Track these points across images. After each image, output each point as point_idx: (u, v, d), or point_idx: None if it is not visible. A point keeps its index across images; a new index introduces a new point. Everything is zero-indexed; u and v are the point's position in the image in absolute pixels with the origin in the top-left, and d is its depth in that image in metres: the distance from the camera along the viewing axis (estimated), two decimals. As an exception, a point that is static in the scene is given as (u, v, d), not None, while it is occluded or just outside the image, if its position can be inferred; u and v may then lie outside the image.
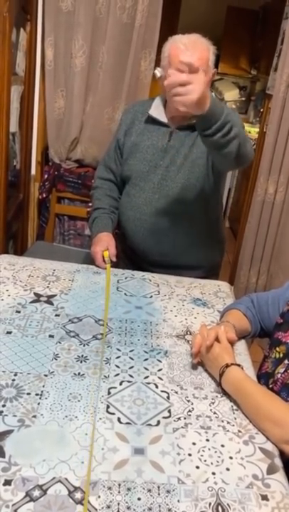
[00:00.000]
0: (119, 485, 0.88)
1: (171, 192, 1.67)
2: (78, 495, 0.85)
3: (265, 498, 0.89)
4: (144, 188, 1.70)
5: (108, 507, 0.83)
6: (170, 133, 1.67)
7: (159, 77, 1.61)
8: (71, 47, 2.37)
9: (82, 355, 1.20)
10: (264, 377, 1.24)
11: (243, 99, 5.59)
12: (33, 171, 2.62)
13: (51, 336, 1.26)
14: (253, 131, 4.67)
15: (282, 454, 1.01)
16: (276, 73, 2.51)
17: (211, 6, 5.02)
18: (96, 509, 0.83)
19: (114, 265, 1.67)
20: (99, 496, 0.85)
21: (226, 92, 5.52)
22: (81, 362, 1.18)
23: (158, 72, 1.61)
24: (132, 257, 1.82)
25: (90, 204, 1.91)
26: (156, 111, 1.69)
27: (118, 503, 0.84)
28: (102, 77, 2.45)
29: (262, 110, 3.81)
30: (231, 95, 5.54)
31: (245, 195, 2.96)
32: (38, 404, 1.03)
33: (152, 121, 1.69)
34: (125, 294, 1.53)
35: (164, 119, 1.68)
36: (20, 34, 2.21)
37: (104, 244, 1.67)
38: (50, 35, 2.32)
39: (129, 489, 0.87)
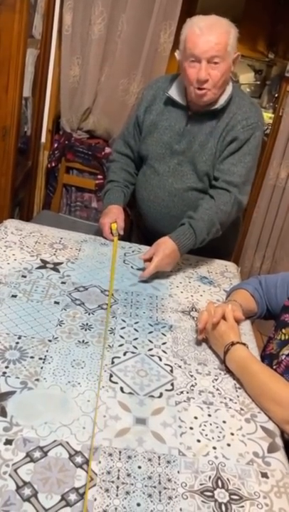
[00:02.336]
0: (120, 452, 0.87)
1: (185, 178, 1.64)
2: (79, 459, 0.84)
3: (265, 475, 0.89)
4: (158, 170, 1.67)
5: (108, 473, 0.83)
6: (188, 117, 1.61)
7: (178, 60, 1.55)
8: (90, 13, 2.30)
9: (87, 324, 1.19)
10: (268, 358, 1.24)
11: (258, 82, 5.49)
12: (43, 139, 2.57)
13: (56, 303, 1.25)
14: (266, 115, 4.58)
15: (283, 434, 1.00)
16: (298, 55, 2.45)
17: (233, -16, 4.89)
18: (96, 474, 0.82)
19: (126, 239, 1.65)
20: (99, 462, 0.85)
21: (241, 74, 5.42)
22: (86, 330, 1.17)
23: (177, 55, 1.55)
24: (146, 234, 1.79)
25: (100, 177, 1.88)
26: (176, 92, 1.61)
27: (118, 470, 0.84)
28: (120, 46, 2.39)
29: (276, 95, 3.75)
30: (246, 78, 5.44)
31: (255, 179, 2.92)
32: (42, 368, 1.02)
33: (172, 102, 1.62)
34: (132, 267, 1.52)
35: (183, 101, 1.60)
36: (39, -5, 2.15)
37: (113, 217, 1.64)
38: (70, -1, 2.25)
39: (129, 457, 0.87)
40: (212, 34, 1.43)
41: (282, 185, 2.56)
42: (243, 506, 0.83)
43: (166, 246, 1.46)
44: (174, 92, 1.62)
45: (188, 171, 1.63)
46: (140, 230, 1.83)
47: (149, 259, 1.46)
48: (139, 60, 2.41)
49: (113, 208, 1.67)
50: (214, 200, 1.55)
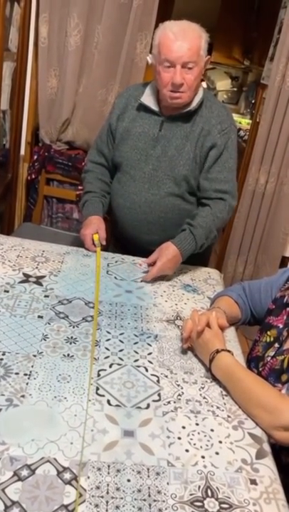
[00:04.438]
0: (109, 466, 0.87)
1: (162, 183, 1.65)
2: (67, 475, 0.84)
3: (253, 482, 0.89)
4: (134, 176, 1.68)
5: (97, 488, 0.82)
6: (161, 122, 1.64)
7: (150, 63, 1.58)
8: (66, 25, 2.31)
9: (72, 337, 1.19)
10: (254, 361, 1.25)
11: (235, 89, 5.57)
12: (22, 151, 2.56)
13: (40, 317, 1.24)
14: (243, 121, 4.66)
15: (270, 439, 1.01)
16: (272, 63, 2.49)
17: (207, -7, 4.96)
18: (85, 489, 0.82)
19: (103, 249, 1.65)
20: (88, 477, 0.84)
21: (218, 81, 5.50)
22: (70, 343, 1.16)
23: (149, 58, 1.58)
24: (123, 243, 1.80)
25: (81, 187, 1.88)
26: (149, 98, 1.65)
27: (108, 484, 0.83)
28: (97, 57, 2.40)
29: (253, 101, 3.80)
30: (223, 85, 5.52)
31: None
32: (27, 384, 1.01)
33: (144, 108, 1.65)
34: (115, 277, 1.52)
35: (155, 107, 1.64)
36: (14, 9, 2.15)
37: (95, 227, 1.64)
38: (45, 12, 2.26)
39: (118, 470, 0.86)
40: (186, 40, 1.48)
41: (262, 191, 2.59)
42: (233, 515, 0.83)
43: (169, 251, 1.53)
44: (146, 99, 1.65)
45: (165, 177, 1.65)
46: (116, 237, 1.82)
47: (152, 263, 1.54)
48: (116, 70, 2.42)
49: (93, 218, 1.67)
50: (211, 208, 1.62)
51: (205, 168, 1.63)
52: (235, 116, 4.96)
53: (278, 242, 2.59)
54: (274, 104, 2.46)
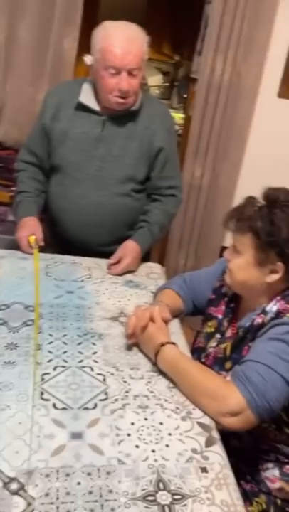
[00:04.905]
0: (58, 471, 0.84)
1: (109, 184, 1.63)
2: (14, 485, 0.80)
3: (204, 470, 0.90)
4: (79, 179, 1.63)
5: (47, 495, 0.80)
6: (102, 122, 1.61)
7: (89, 64, 1.55)
8: (-12, 22, 2.23)
9: (12, 343, 1.15)
10: (197, 352, 1.26)
11: (167, 84, 5.62)
12: None
13: (-22, 325, 1.19)
14: (176, 116, 4.70)
15: (218, 426, 1.03)
16: (200, 57, 2.53)
17: (133, -11, 4.97)
18: (34, 498, 0.79)
19: (42, 251, 1.60)
20: (36, 485, 0.81)
21: (149, 76, 5.52)
22: (11, 349, 1.12)
23: (88, 60, 1.55)
24: (65, 245, 1.75)
25: (14, 189, 1.81)
26: (87, 97, 1.61)
27: (57, 490, 0.81)
28: (23, 55, 2.33)
29: (185, 96, 3.86)
30: (154, 80, 5.56)
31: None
32: None
33: (82, 107, 1.61)
34: (55, 278, 1.48)
35: (96, 106, 1.61)
36: None
37: (30, 229, 1.58)
38: None
39: (68, 475, 0.84)
40: (132, 47, 1.48)
41: (198, 184, 2.63)
42: (185, 505, 0.83)
43: (132, 249, 1.62)
44: (84, 98, 1.61)
45: (111, 177, 1.63)
46: (55, 238, 1.76)
47: (117, 262, 1.58)
48: (44, 68, 2.36)
49: (28, 220, 1.62)
50: (163, 203, 1.73)
51: (157, 170, 1.68)
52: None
53: (217, 233, 2.65)
54: (205, 98, 2.50)
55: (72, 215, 1.66)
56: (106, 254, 1.67)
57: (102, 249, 1.69)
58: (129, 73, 1.50)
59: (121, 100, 1.54)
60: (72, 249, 1.70)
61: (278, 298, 1.11)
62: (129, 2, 4.87)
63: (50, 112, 1.64)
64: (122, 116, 1.61)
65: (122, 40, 1.47)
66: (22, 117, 2.40)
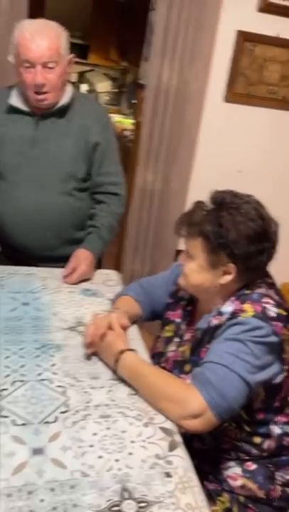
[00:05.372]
0: (20, 490, 0.83)
1: (49, 184, 1.62)
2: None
3: (168, 475, 0.91)
4: (18, 182, 1.61)
5: (9, 515, 0.78)
6: (36, 122, 1.61)
7: (13, 64, 1.54)
8: None
9: None
10: (156, 357, 1.27)
11: (116, 90, 5.64)
12: None
13: None
14: (127, 122, 4.74)
15: (180, 429, 1.03)
16: (147, 63, 2.56)
17: (77, -5, 4.97)
18: (-4, 520, 0.77)
19: None
20: (-2, 506, 0.79)
21: (98, 83, 5.53)
22: None
23: (10, 59, 1.54)
24: (11, 254, 1.72)
25: None
26: (17, 100, 1.60)
27: (20, 509, 0.79)
28: None
29: (134, 101, 3.89)
30: (103, 87, 5.57)
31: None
32: None
33: (14, 110, 1.60)
34: (10, 291, 1.45)
35: (26, 107, 1.60)
36: None
37: None
38: None
39: (30, 492, 0.82)
40: (44, 39, 1.46)
41: (151, 188, 2.65)
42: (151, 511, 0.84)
43: (85, 257, 1.60)
44: (14, 100, 1.60)
45: (51, 177, 1.62)
46: (3, 252, 1.73)
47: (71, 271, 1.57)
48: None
49: None
50: (107, 205, 1.72)
51: (96, 166, 1.68)
52: (118, 117, 5.04)
53: (171, 237, 2.67)
54: (153, 103, 2.52)
55: (15, 219, 1.64)
56: (54, 260, 1.66)
57: (49, 254, 1.69)
58: (44, 66, 1.48)
59: (39, 97, 1.52)
60: (19, 257, 1.68)
61: (233, 298, 1.14)
62: (73, 8, 4.86)
63: None
64: (54, 114, 1.61)
65: (34, 32, 1.46)
66: None
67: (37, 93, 1.51)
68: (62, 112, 1.61)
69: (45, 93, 1.52)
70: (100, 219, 1.70)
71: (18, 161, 1.60)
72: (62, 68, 1.53)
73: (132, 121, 4.04)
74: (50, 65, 1.48)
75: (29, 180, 1.61)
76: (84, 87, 5.68)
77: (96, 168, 1.68)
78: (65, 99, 1.60)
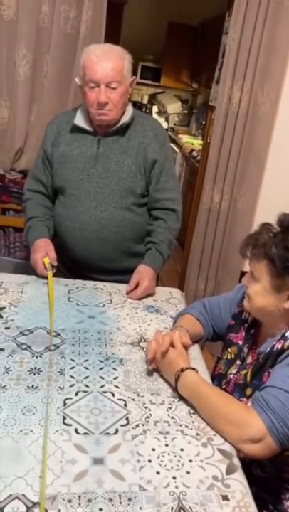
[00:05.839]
0: (80, 497, 0.85)
1: (109, 199, 1.68)
2: (37, 511, 0.82)
3: (225, 498, 0.90)
4: (79, 197, 1.69)
5: (69, 520, 0.81)
6: (98, 140, 1.69)
7: (79, 85, 1.63)
8: (14, 56, 2.33)
9: (36, 367, 1.17)
10: (217, 379, 1.26)
11: (186, 111, 5.73)
12: (-24, 182, 2.53)
13: (1, 350, 1.22)
14: (195, 142, 4.79)
15: (239, 453, 1.02)
16: (218, 86, 2.59)
17: (152, 21, 5.14)
18: (56, 524, 0.80)
19: (54, 275, 1.63)
20: (59, 510, 0.82)
21: (169, 104, 5.65)
22: (34, 374, 1.15)
23: (77, 80, 1.63)
24: (71, 267, 1.79)
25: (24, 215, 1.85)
26: (81, 120, 1.70)
27: (79, 516, 0.82)
28: (47, 86, 2.42)
29: (204, 123, 3.93)
30: (174, 108, 5.67)
31: (191, 205, 3.02)
32: (-9, 420, 0.99)
33: (78, 130, 1.70)
34: (77, 304, 1.51)
35: (89, 127, 1.69)
36: None
37: (43, 250, 1.63)
38: (-8, 44, 2.27)
39: (89, 500, 0.85)
40: (108, 61, 1.56)
41: (217, 209, 2.66)
42: (207, 533, 0.83)
43: (147, 272, 1.65)
44: (79, 121, 1.69)
45: (110, 192, 1.68)
46: (64, 264, 1.79)
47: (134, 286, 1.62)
48: (67, 97, 2.45)
49: (40, 242, 1.66)
50: (165, 221, 1.75)
51: (153, 182, 1.73)
52: (188, 138, 5.10)
53: (236, 258, 2.65)
54: (222, 125, 2.54)
55: (77, 232, 1.71)
56: (112, 272, 1.72)
57: (107, 266, 1.74)
58: (108, 86, 1.56)
59: (101, 111, 1.60)
60: (79, 270, 1.74)
61: (298, 323, 1.11)
62: (148, 34, 5.03)
63: (50, 139, 1.74)
64: (116, 133, 1.68)
65: (100, 55, 1.56)
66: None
67: (99, 110, 1.59)
68: (122, 130, 1.68)
69: (106, 110, 1.60)
70: (159, 235, 1.73)
71: (81, 177, 1.68)
72: (125, 88, 1.61)
73: (200, 141, 4.08)
74: (113, 85, 1.57)
75: (90, 195, 1.69)
76: (155, 109, 5.81)
77: (154, 184, 1.73)
78: (125, 119, 1.67)
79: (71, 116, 1.72)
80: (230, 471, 0.96)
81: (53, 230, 1.77)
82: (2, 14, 2.26)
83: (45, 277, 1.59)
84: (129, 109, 1.71)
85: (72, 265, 1.79)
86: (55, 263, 1.62)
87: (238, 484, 0.94)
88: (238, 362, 1.26)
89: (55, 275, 1.61)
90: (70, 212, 1.71)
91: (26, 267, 2.17)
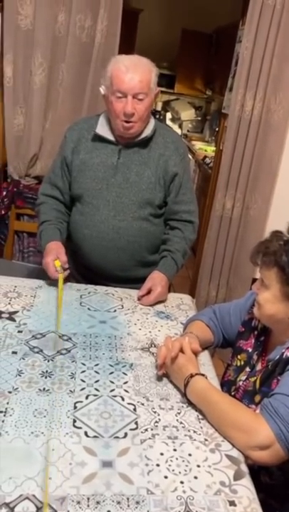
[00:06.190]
0: (88, 499, 0.87)
1: (127, 209, 1.69)
2: (47, 511, 0.83)
3: (232, 503, 0.91)
4: (98, 206, 1.70)
5: (78, 522, 0.82)
6: (119, 150, 1.70)
7: (103, 94, 1.65)
8: (30, 64, 2.38)
9: (47, 371, 1.19)
10: (227, 385, 1.27)
11: (199, 118, 5.75)
12: (-9, 188, 2.58)
13: (14, 353, 1.24)
14: (208, 149, 4.80)
15: (247, 460, 1.03)
16: (231, 93, 2.61)
17: (166, 28, 5.18)
18: (65, 524, 0.82)
19: (67, 280, 1.64)
20: (68, 511, 0.84)
21: (182, 111, 5.68)
22: (46, 377, 1.17)
23: (102, 90, 1.65)
24: (85, 274, 1.81)
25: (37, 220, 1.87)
26: (103, 129, 1.70)
27: (88, 517, 0.83)
28: (62, 94, 2.47)
29: (217, 129, 3.94)
30: (187, 115, 5.70)
31: (203, 211, 3.03)
32: (3, 421, 1.01)
33: (100, 139, 1.70)
34: (89, 308, 1.53)
35: (111, 137, 1.70)
36: (-22, 51, 2.20)
37: (54, 253, 1.62)
38: (9, 53, 2.32)
39: (98, 502, 0.86)
40: (137, 72, 1.57)
41: (229, 216, 2.67)
42: (214, 538, 0.84)
43: (160, 279, 1.66)
44: (101, 130, 1.70)
45: (129, 202, 1.69)
46: (78, 271, 1.81)
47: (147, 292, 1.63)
48: (81, 105, 2.49)
49: (51, 245, 1.66)
50: (181, 231, 1.77)
51: (172, 195, 1.74)
52: (201, 144, 5.11)
53: (248, 265, 2.64)
54: (235, 132, 2.56)
55: (94, 241, 1.73)
56: (127, 280, 1.73)
57: (122, 275, 1.75)
58: (135, 97, 1.57)
59: (126, 124, 1.61)
60: (93, 277, 1.76)
61: (307, 331, 1.12)
62: (163, 41, 5.07)
63: (70, 146, 1.74)
64: (137, 145, 1.69)
65: (129, 66, 1.57)
66: (59, 153, 2.51)
67: (125, 121, 1.60)
68: (145, 142, 1.70)
69: (132, 122, 1.61)
70: (174, 244, 1.75)
71: (100, 186, 1.70)
72: (150, 101, 1.62)
73: (214, 148, 4.09)
74: (140, 97, 1.58)
75: (108, 204, 1.70)
76: (168, 115, 5.85)
77: (172, 197, 1.74)
78: (148, 131, 1.69)
79: (92, 124, 1.73)
80: (237, 477, 0.97)
81: (65, 234, 1.78)
82: (19, 24, 2.31)
83: (57, 281, 1.59)
84: (152, 122, 1.72)
85: (87, 272, 1.80)
86: (66, 266, 1.62)
87: (246, 490, 0.94)
88: (248, 369, 1.27)
89: (67, 280, 1.63)
90: (87, 221, 1.73)
91: (40, 272, 2.19)
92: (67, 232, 1.79)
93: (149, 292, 1.63)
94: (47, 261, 1.61)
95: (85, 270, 1.80)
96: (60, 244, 1.68)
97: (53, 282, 1.64)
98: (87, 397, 1.12)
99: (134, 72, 1.56)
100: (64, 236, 1.77)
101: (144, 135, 1.68)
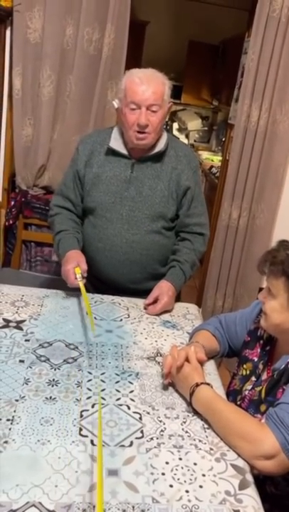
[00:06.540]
0: (94, 507, 0.87)
1: (141, 222, 1.71)
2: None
3: (237, 513, 0.91)
4: (111, 219, 1.71)
5: (83, 529, 0.83)
6: (132, 164, 1.71)
7: (116, 107, 1.67)
8: (39, 77, 2.42)
9: (54, 379, 1.20)
10: (232, 395, 1.27)
11: (206, 128, 5.78)
12: (-1, 198, 2.62)
13: (21, 361, 1.25)
14: (215, 159, 4.83)
15: (252, 469, 1.03)
16: (237, 104, 2.63)
17: (173, 40, 5.24)
18: (71, 532, 0.82)
19: (79, 290, 1.65)
20: (74, 519, 0.85)
21: (189, 121, 5.71)
22: (52, 386, 1.18)
23: (116, 103, 1.67)
24: (97, 285, 1.82)
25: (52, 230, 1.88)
26: (116, 143, 1.71)
27: (93, 525, 0.84)
28: (70, 106, 2.50)
29: (224, 139, 3.97)
30: (194, 125, 5.73)
31: (209, 221, 3.04)
32: (10, 429, 1.02)
33: (113, 152, 1.71)
34: (95, 317, 1.54)
35: (124, 150, 1.71)
36: (-12, 64, 2.25)
37: (74, 261, 1.62)
38: (18, 65, 2.36)
39: (104, 511, 0.87)
40: (151, 84, 1.59)
41: (235, 225, 2.68)
42: None
43: (168, 288, 1.67)
44: (114, 143, 1.71)
45: (142, 216, 1.70)
46: (90, 281, 1.79)
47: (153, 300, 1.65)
48: (89, 117, 2.53)
49: (71, 253, 1.66)
50: (191, 243, 1.79)
51: (184, 208, 1.76)
52: (207, 154, 5.14)
53: (255, 274, 2.66)
54: (241, 143, 2.58)
55: (107, 254, 1.74)
56: (137, 292, 1.73)
57: (133, 287, 1.76)
58: (148, 109, 1.59)
59: (139, 135, 1.61)
60: (104, 289, 1.77)
61: (313, 341, 1.12)
62: (169, 52, 5.12)
63: (83, 159, 1.74)
64: (150, 159, 1.70)
65: (143, 78, 1.59)
66: (67, 163, 2.53)
67: (138, 132, 1.61)
68: (158, 157, 1.70)
69: (146, 133, 1.62)
70: (183, 255, 1.75)
71: (113, 200, 1.70)
72: (164, 113, 1.64)
73: (220, 158, 4.11)
74: (153, 109, 1.59)
75: (122, 218, 1.71)
76: (175, 125, 5.89)
77: (184, 210, 1.76)
78: (161, 146, 1.69)
79: (105, 138, 1.73)
80: (243, 486, 0.97)
81: (82, 243, 1.78)
82: (28, 37, 2.36)
83: (75, 289, 1.58)
84: (164, 136, 1.73)
85: (99, 283, 1.81)
86: (85, 274, 1.61)
87: (251, 500, 0.94)
88: (253, 378, 1.27)
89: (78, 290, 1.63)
90: (100, 234, 1.74)
91: (47, 281, 2.22)
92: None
93: (155, 301, 1.64)
94: (67, 268, 1.60)
95: (97, 281, 1.81)
96: (81, 253, 1.68)
97: (59, 292, 1.66)
98: (93, 406, 1.13)
99: (148, 84, 1.58)
100: (81, 245, 1.76)
101: (157, 149, 1.69)
